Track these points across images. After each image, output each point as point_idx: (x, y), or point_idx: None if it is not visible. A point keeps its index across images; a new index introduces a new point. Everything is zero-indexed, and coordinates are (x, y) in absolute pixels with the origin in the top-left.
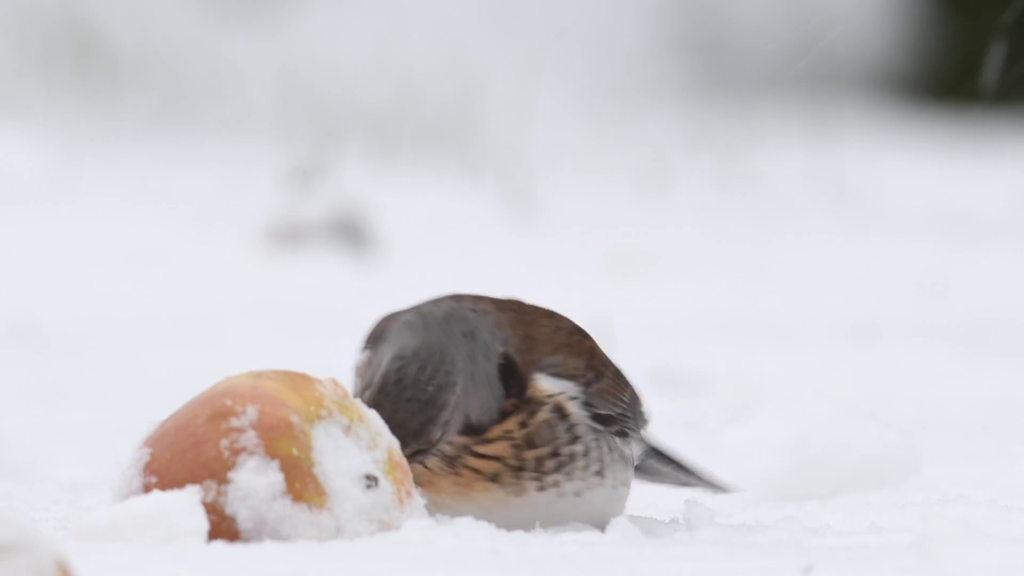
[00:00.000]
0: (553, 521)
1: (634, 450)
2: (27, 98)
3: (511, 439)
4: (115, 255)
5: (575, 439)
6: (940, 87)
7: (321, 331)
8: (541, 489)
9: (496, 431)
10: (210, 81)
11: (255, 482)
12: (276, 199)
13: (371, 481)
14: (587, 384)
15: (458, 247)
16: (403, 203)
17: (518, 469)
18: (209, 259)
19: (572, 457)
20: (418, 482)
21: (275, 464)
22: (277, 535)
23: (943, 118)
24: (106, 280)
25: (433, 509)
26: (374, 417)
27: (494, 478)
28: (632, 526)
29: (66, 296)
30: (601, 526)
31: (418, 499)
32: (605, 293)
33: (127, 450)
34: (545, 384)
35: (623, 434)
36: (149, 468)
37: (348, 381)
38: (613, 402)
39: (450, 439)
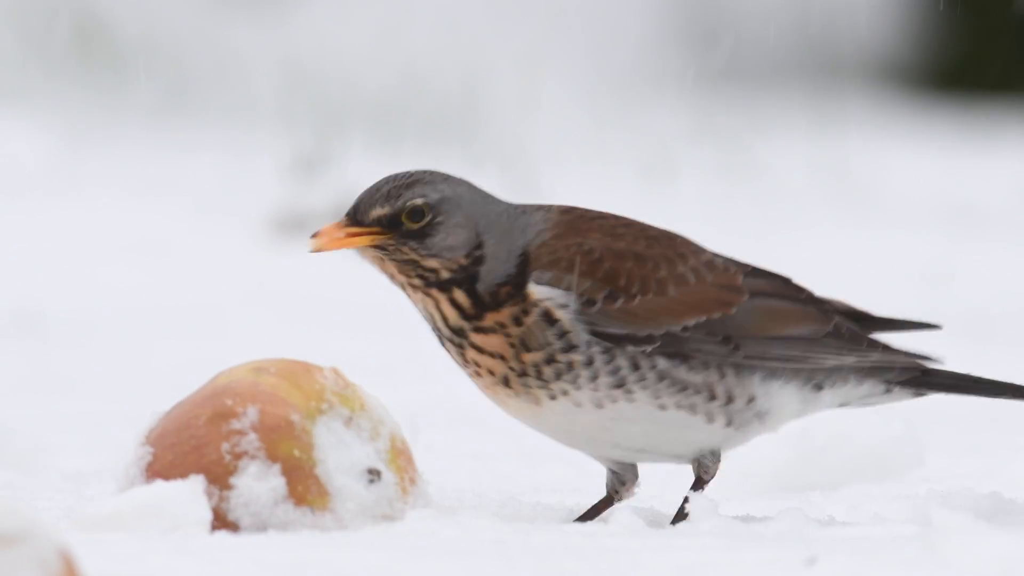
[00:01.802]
0: (610, 438)
1: (738, 383)
2: (30, 87)
3: (506, 334)
4: (118, 244)
5: (571, 347)
6: (944, 78)
7: (325, 320)
8: (552, 398)
9: (490, 319)
10: (214, 70)
11: (256, 488)
12: (280, 188)
13: (374, 475)
14: (588, 301)
15: None
16: None
17: (522, 375)
18: (212, 249)
19: (571, 366)
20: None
21: (276, 468)
22: None
23: (947, 109)
24: (109, 270)
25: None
26: (376, 405)
27: (505, 382)
28: (635, 517)
29: (69, 286)
30: (681, 454)
31: (422, 486)
32: None
33: (130, 441)
34: (535, 289)
35: (682, 356)
36: (151, 469)
37: (352, 370)
38: (642, 324)
39: (432, 252)
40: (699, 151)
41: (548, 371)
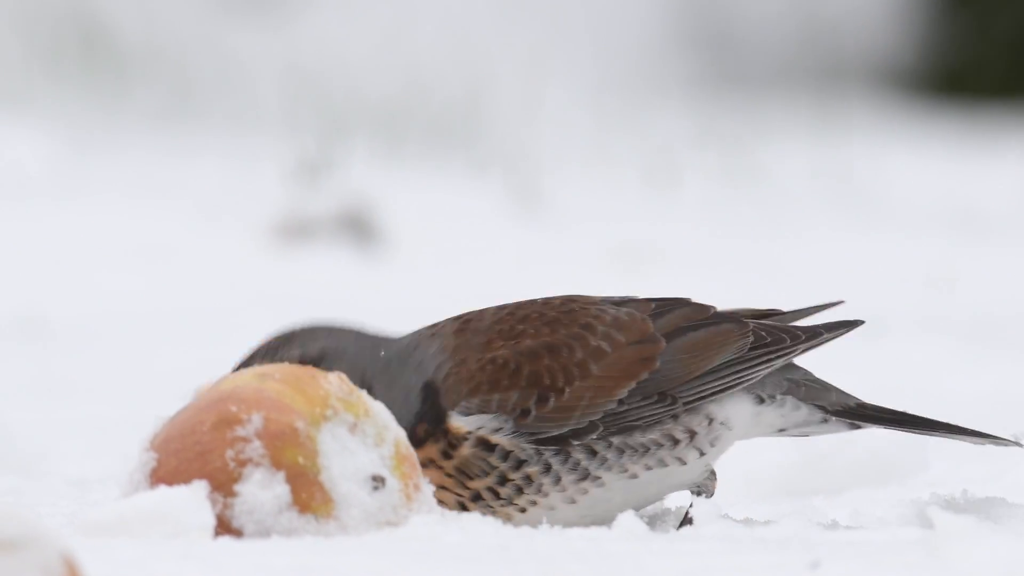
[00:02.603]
0: (597, 515)
1: (689, 423)
2: (34, 92)
3: (438, 467)
4: (121, 250)
5: (521, 463)
6: (947, 82)
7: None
8: (523, 511)
9: (421, 455)
10: (217, 76)
11: (261, 496)
12: (283, 194)
13: (378, 482)
14: (523, 412)
15: (465, 241)
16: (410, 197)
17: (477, 498)
18: (215, 254)
19: (529, 479)
20: None
21: (281, 475)
22: None
23: (950, 113)
24: (112, 275)
25: None
26: (381, 410)
27: (463, 509)
28: (638, 522)
29: (72, 291)
30: (676, 492)
31: (427, 492)
32: (611, 288)
33: (134, 446)
34: (461, 421)
35: (626, 430)
36: (155, 475)
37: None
38: (580, 415)
39: None
40: (702, 155)
41: (505, 490)
